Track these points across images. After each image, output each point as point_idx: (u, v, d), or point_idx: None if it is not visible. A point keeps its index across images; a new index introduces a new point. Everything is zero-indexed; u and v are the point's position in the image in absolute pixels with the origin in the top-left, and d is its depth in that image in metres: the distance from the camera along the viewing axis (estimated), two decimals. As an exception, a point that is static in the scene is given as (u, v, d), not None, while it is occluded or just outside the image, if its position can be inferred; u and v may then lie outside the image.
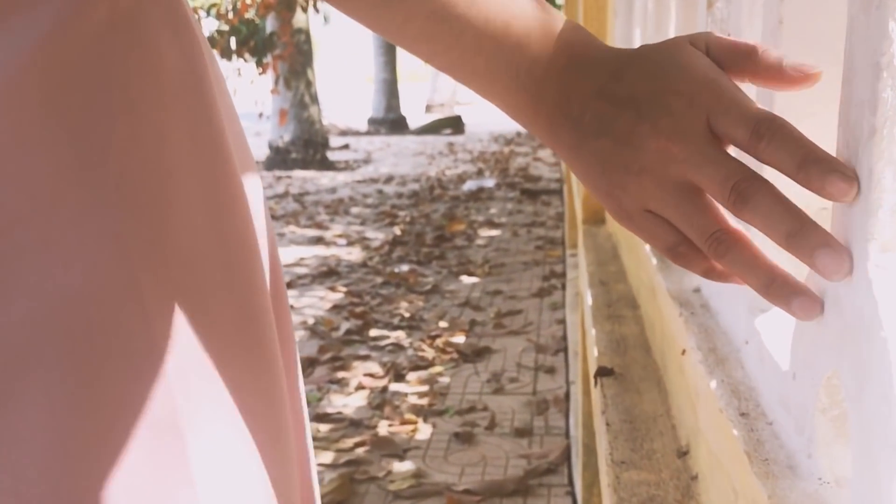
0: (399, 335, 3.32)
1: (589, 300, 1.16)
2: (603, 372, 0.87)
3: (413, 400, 2.67)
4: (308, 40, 9.17)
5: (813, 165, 0.36)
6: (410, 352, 3.13)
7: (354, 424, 2.51)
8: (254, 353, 0.44)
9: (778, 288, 0.38)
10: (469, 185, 7.41)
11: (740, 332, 0.60)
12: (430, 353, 3.09)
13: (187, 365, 0.39)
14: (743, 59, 0.41)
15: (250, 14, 7.73)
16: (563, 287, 3.91)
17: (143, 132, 0.39)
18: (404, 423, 2.49)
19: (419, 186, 7.51)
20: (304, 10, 8.31)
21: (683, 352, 0.69)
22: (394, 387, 2.80)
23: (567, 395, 2.66)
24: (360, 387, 2.79)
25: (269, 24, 8.48)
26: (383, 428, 2.48)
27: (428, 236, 5.23)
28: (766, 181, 0.38)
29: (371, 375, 2.87)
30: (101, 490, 0.36)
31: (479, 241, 5.10)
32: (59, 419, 0.36)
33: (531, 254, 4.72)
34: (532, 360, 3.03)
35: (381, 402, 2.66)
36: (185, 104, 0.43)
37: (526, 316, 3.56)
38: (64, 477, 0.36)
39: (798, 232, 0.36)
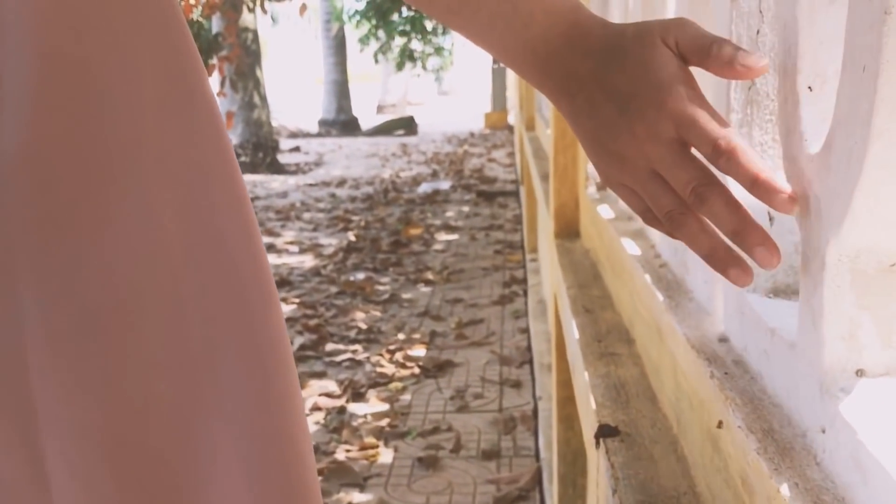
0: (356, 349, 3.16)
1: (575, 332, 1.03)
2: (606, 432, 0.73)
3: (373, 421, 2.52)
4: (256, 41, 8.93)
5: (761, 186, 0.44)
6: (369, 367, 2.97)
7: (311, 450, 2.35)
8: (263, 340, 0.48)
9: (717, 259, 0.48)
10: (424, 188, 7.27)
11: (807, 413, 0.47)
12: (389, 369, 2.94)
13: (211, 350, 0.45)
14: (703, 54, 0.47)
15: (195, 15, 7.48)
16: (525, 294, 3.80)
17: (171, 130, 0.45)
18: (364, 447, 2.34)
19: (373, 189, 7.35)
20: (251, 10, 8.08)
21: (720, 424, 0.56)
22: (352, 407, 2.64)
23: (535, 412, 2.53)
24: (315, 408, 2.63)
25: (215, 25, 8.23)
26: (341, 453, 2.32)
27: (384, 242, 5.08)
28: (721, 186, 0.47)
29: (327, 395, 2.71)
30: None
31: (437, 246, 4.96)
32: (123, 363, 0.42)
33: (490, 259, 4.60)
34: (496, 373, 2.90)
35: (339, 425, 2.50)
36: (210, 107, 0.49)
37: (488, 325, 3.43)
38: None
39: (742, 231, 0.46)
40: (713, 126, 0.46)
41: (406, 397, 2.70)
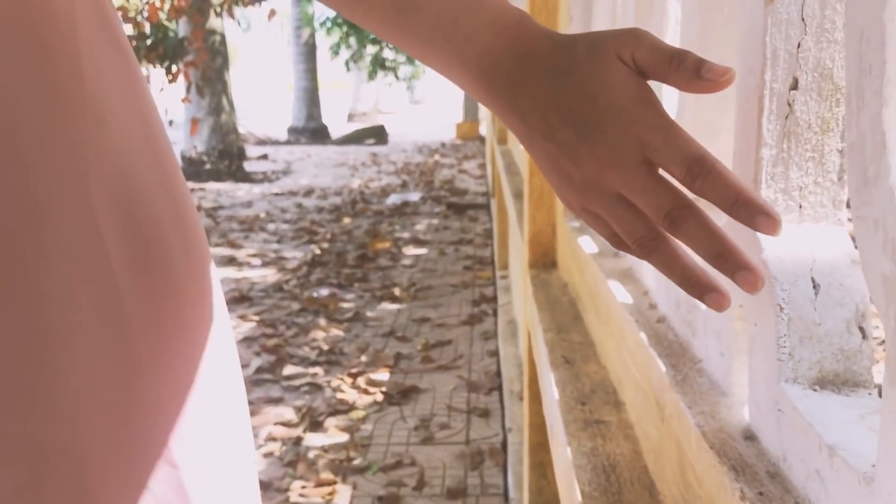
0: (316, 372, 3.00)
1: (554, 391, 0.88)
2: (596, 539, 0.59)
3: (331, 453, 2.36)
4: (223, 46, 8.74)
5: (742, 207, 0.41)
6: (329, 392, 2.81)
7: (263, 487, 2.19)
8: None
9: (694, 285, 0.44)
10: (393, 199, 7.12)
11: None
12: (350, 395, 2.78)
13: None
14: (663, 67, 0.44)
15: (161, 18, 7.27)
16: (495, 313, 3.66)
17: (108, 149, 0.43)
18: (320, 484, 2.18)
19: (341, 200, 7.18)
20: (218, 14, 7.90)
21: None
22: (309, 437, 2.47)
23: (504, 446, 2.39)
24: (270, 438, 2.46)
25: (182, 30, 8.03)
26: (296, 490, 2.16)
27: (350, 255, 4.92)
28: (695, 208, 0.43)
29: (284, 424, 2.55)
30: None
31: (405, 261, 4.81)
32: (67, 379, 0.40)
33: (459, 275, 4.45)
34: (464, 400, 2.75)
35: (295, 458, 2.33)
36: (140, 120, 0.46)
37: (456, 347, 3.28)
38: None
39: (722, 255, 0.42)
40: (683, 146, 0.42)
41: (367, 427, 2.54)
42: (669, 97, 0.79)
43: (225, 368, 0.49)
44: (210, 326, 0.48)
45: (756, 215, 0.40)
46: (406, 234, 5.60)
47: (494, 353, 3.16)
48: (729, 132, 0.69)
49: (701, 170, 0.42)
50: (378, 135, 13.15)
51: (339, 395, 2.77)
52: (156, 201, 0.45)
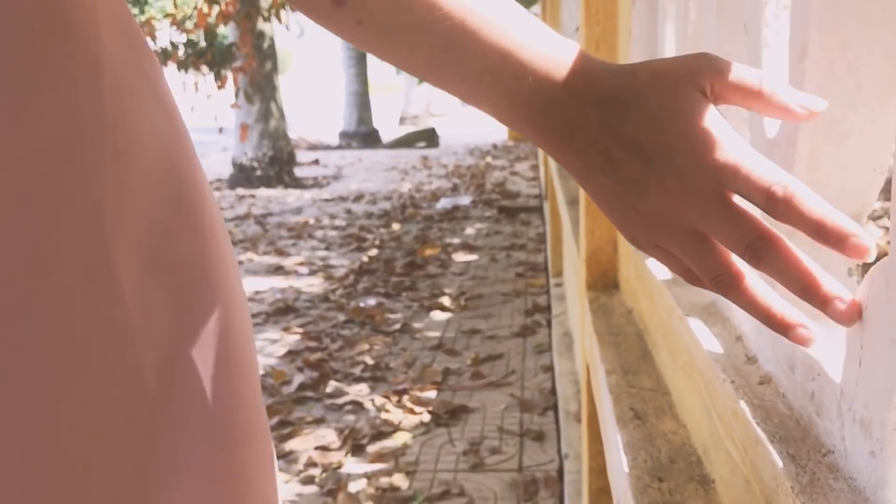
0: (360, 390, 2.85)
1: (623, 460, 0.71)
2: None
3: (374, 481, 2.20)
4: (272, 51, 8.69)
5: (830, 232, 0.38)
6: (373, 412, 2.66)
7: (300, 518, 2.04)
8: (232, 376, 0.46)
9: (776, 323, 0.41)
10: (443, 203, 6.96)
11: None
12: (395, 414, 2.62)
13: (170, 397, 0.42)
14: (749, 97, 0.42)
15: (209, 24, 7.24)
16: (549, 324, 3.47)
17: (127, 185, 0.41)
18: (362, 516, 2.02)
19: (390, 205, 7.05)
20: (266, 19, 7.84)
21: None
22: (351, 463, 2.32)
23: (560, 474, 2.20)
24: (310, 463, 2.32)
25: (231, 35, 8.00)
26: (336, 523, 2.01)
27: (398, 263, 4.77)
28: (779, 238, 0.40)
29: (324, 448, 2.40)
30: None
31: (454, 269, 4.64)
32: (75, 439, 0.39)
33: (511, 282, 4.27)
34: (516, 421, 2.57)
35: (335, 486, 2.18)
36: (164, 151, 0.44)
37: (507, 362, 3.10)
38: None
39: (811, 287, 0.40)
40: (763, 171, 0.40)
41: (413, 451, 2.38)
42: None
43: (249, 430, 0.47)
44: (235, 379, 0.46)
45: (844, 240, 0.38)
46: (456, 240, 5.43)
47: (549, 369, 2.98)
48: (862, 134, 0.51)
49: (782, 196, 0.39)
50: (429, 138, 13.02)
51: (384, 416, 2.62)
52: (179, 241, 0.44)
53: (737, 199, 0.41)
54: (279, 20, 7.56)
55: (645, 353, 0.96)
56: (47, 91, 0.38)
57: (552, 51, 0.45)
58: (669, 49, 1.00)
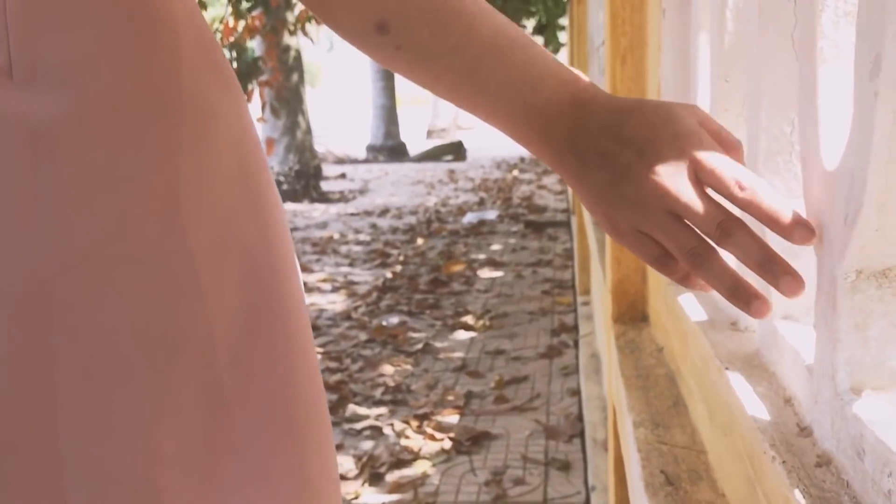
0: (380, 413, 2.76)
1: (651, 539, 0.61)
2: None
3: (391, 512, 2.11)
4: (299, 65, 8.67)
5: (782, 220, 0.47)
6: (392, 438, 2.57)
7: (314, 553, 1.95)
8: (299, 365, 0.50)
9: (740, 293, 0.48)
10: (469, 218, 6.87)
11: None
12: (416, 441, 2.53)
13: (244, 376, 0.45)
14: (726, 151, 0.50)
15: (236, 38, 7.23)
16: (576, 345, 3.36)
17: (203, 164, 0.44)
18: (377, 551, 1.93)
19: (416, 220, 6.98)
20: (293, 33, 7.83)
21: None
22: (368, 493, 2.23)
23: (586, 507, 2.10)
24: (326, 492, 2.23)
25: (258, 49, 8.00)
26: (350, 559, 1.92)
27: (422, 279, 4.69)
28: (743, 222, 0.48)
29: (341, 477, 2.31)
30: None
31: (479, 286, 4.55)
32: (148, 407, 0.41)
33: (537, 300, 4.17)
34: (541, 449, 2.46)
35: (351, 518, 2.10)
36: (235, 141, 0.48)
37: (533, 385, 3.00)
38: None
39: (768, 262, 0.47)
40: (733, 166, 0.48)
41: (433, 480, 2.29)
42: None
43: (310, 406, 0.50)
44: (297, 360, 0.49)
45: (794, 228, 0.46)
46: (482, 256, 5.34)
47: (575, 392, 2.87)
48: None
49: (747, 186, 0.47)
50: (456, 151, 12.95)
51: (404, 442, 2.52)
52: (246, 227, 0.47)
53: (710, 191, 0.49)
54: (305, 34, 7.53)
55: (677, 400, 0.87)
56: (133, 77, 0.42)
57: (562, 69, 0.52)
58: (704, 62, 0.90)
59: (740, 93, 0.82)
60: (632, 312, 1.15)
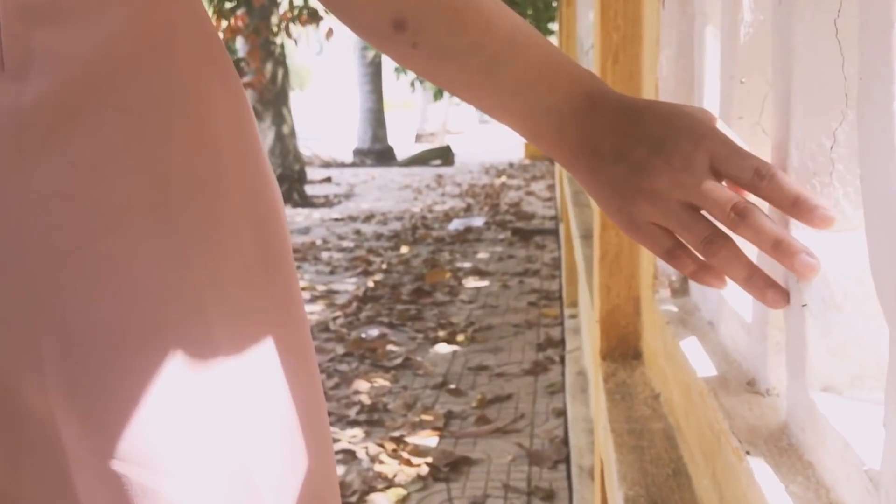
0: (354, 435, 2.61)
1: None
2: None
3: (361, 548, 1.96)
4: (284, 67, 8.51)
5: (803, 204, 0.47)
6: (366, 463, 2.41)
7: None
8: (293, 350, 0.49)
9: (756, 280, 0.49)
10: (455, 225, 6.72)
11: None
12: (390, 466, 2.37)
13: (241, 361, 0.44)
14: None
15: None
16: (562, 361, 3.22)
17: (198, 162, 0.44)
18: (344, 593, 1.77)
19: (401, 225, 6.83)
20: (275, 34, 7.66)
21: None
22: (337, 525, 2.07)
23: (571, 544, 1.95)
24: (291, 524, 2.07)
25: (241, 50, 7.84)
26: None
27: (405, 288, 4.53)
28: (757, 206, 0.48)
29: (308, 506, 2.15)
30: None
31: (464, 296, 4.39)
32: (144, 406, 0.41)
33: (523, 312, 4.02)
34: (524, 476, 2.31)
35: (317, 554, 1.93)
36: (233, 136, 0.47)
37: (516, 404, 2.85)
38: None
39: (782, 242, 0.47)
40: (748, 156, 0.48)
41: (407, 511, 2.14)
42: None
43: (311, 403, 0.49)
44: (295, 355, 0.49)
45: (813, 211, 0.46)
46: (467, 264, 5.19)
47: (561, 413, 2.72)
48: None
49: (766, 174, 0.47)
50: (444, 155, 12.81)
51: (378, 468, 2.37)
52: (243, 226, 0.46)
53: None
54: (289, 35, 7.38)
55: (678, 468, 0.72)
56: (125, 72, 0.41)
57: (576, 67, 0.52)
58: (712, 60, 0.76)
59: (758, 97, 0.67)
60: (623, 348, 1.00)
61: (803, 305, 0.50)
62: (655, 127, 0.49)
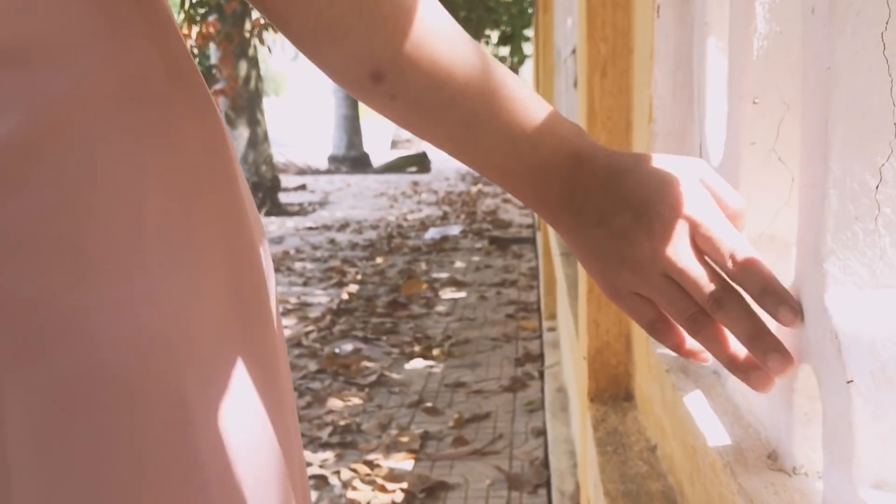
0: (326, 459, 2.50)
1: None
2: None
3: (332, 583, 1.85)
4: (257, 73, 8.38)
5: (769, 297, 0.46)
6: (338, 489, 2.31)
7: None
8: (269, 396, 0.46)
9: (740, 363, 0.47)
10: (432, 234, 6.63)
11: None
12: (363, 492, 2.27)
13: (213, 424, 0.42)
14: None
15: (188, 45, 6.92)
16: (541, 376, 3.13)
17: (172, 205, 0.41)
18: None
19: (376, 235, 6.73)
20: (248, 41, 7.54)
21: None
22: (307, 558, 1.97)
23: (553, 577, 1.86)
24: (259, 558, 1.96)
25: (214, 56, 7.70)
26: None
27: (380, 300, 4.43)
28: (737, 293, 0.47)
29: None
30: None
31: (440, 308, 4.30)
32: (112, 475, 0.38)
33: (501, 325, 3.93)
34: (503, 502, 2.22)
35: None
36: (209, 177, 0.44)
37: (495, 423, 2.76)
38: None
39: (756, 336, 0.46)
40: (732, 235, 0.47)
41: (381, 541, 2.04)
42: None
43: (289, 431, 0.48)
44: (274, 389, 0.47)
45: (777, 307, 0.45)
46: (444, 274, 5.10)
47: (541, 433, 2.63)
48: None
49: (741, 260, 0.46)
50: (420, 162, 12.73)
51: (350, 494, 2.26)
52: (219, 271, 0.44)
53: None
54: (262, 42, 7.26)
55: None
56: (85, 104, 0.39)
57: (563, 125, 0.51)
58: (715, 76, 0.67)
59: (772, 119, 0.58)
60: (613, 390, 0.91)
61: (848, 382, 0.41)
62: (639, 190, 0.48)
